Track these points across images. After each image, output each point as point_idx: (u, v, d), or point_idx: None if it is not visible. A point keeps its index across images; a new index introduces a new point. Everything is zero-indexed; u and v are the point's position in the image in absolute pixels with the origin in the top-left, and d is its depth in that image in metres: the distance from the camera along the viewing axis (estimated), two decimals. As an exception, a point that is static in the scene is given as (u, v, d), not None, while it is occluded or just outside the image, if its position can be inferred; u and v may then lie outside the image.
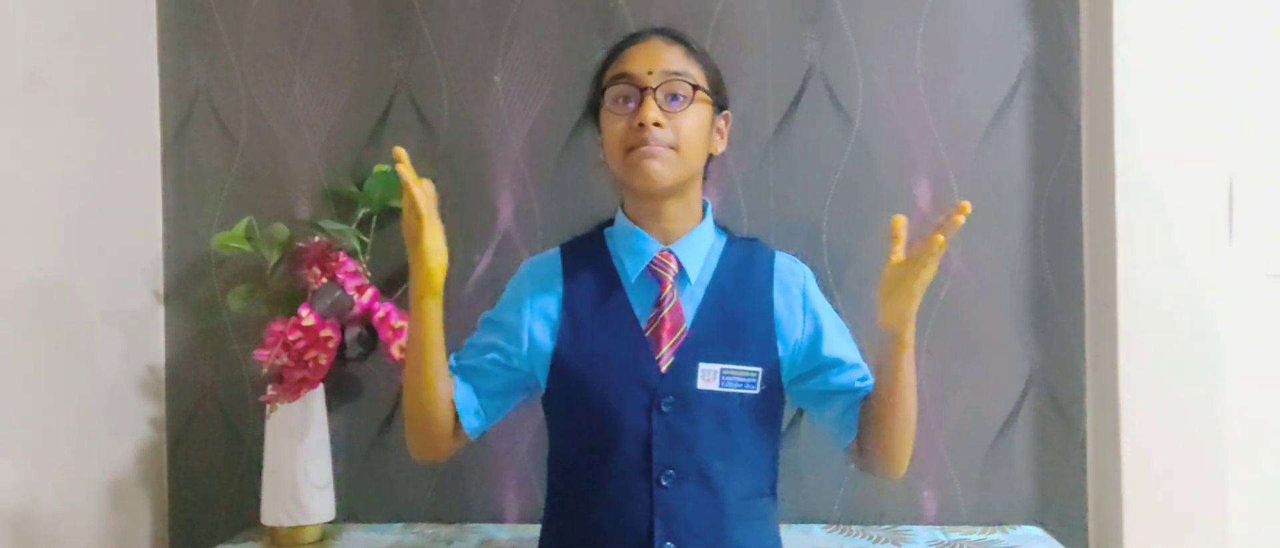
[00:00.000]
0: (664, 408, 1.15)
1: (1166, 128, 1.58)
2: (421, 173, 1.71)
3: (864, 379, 1.23)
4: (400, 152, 1.09)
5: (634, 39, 1.22)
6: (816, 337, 1.23)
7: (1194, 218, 1.58)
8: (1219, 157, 1.58)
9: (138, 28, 1.76)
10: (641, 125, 1.14)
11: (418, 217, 1.09)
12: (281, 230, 1.65)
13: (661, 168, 1.16)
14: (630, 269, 1.22)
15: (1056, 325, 1.69)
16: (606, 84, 1.20)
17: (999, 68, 1.69)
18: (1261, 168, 1.62)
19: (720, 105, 1.24)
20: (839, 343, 1.24)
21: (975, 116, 1.69)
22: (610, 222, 1.28)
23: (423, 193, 1.09)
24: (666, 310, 1.19)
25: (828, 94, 1.70)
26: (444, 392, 1.19)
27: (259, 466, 1.64)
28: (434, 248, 1.11)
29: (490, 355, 1.23)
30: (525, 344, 1.22)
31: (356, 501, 1.74)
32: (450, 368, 1.22)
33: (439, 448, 1.21)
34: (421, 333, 1.15)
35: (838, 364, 1.23)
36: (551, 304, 1.22)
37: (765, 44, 1.70)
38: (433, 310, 1.15)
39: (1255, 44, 1.62)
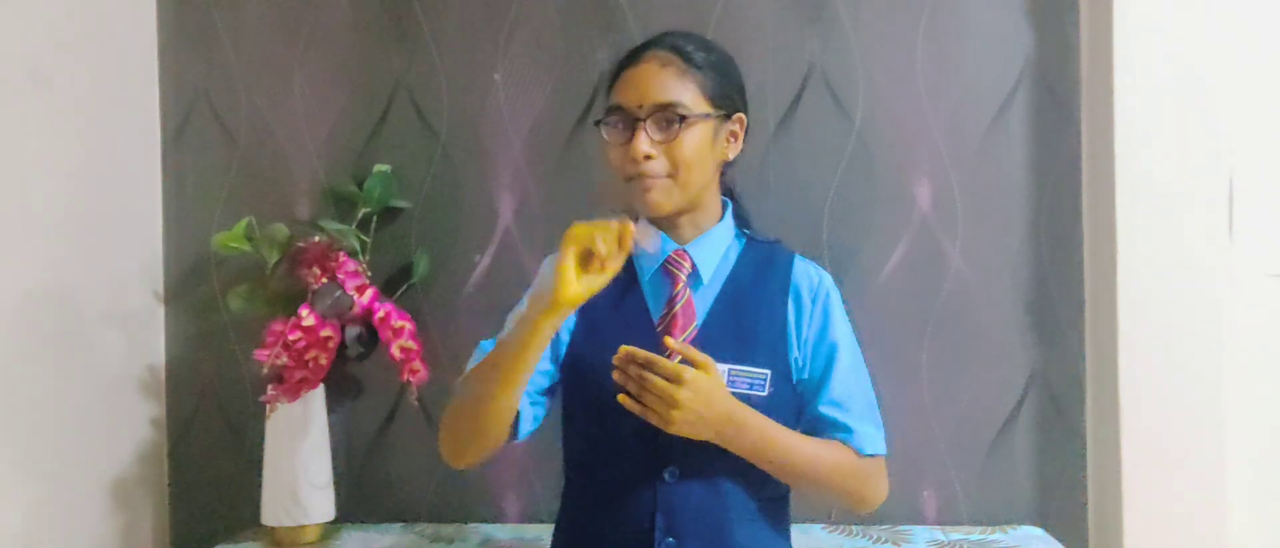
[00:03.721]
0: None
1: (1166, 128, 1.57)
2: (422, 173, 1.73)
3: (842, 433, 1.21)
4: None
5: (633, 56, 1.21)
6: (829, 369, 1.22)
7: (1194, 218, 1.58)
8: (1219, 156, 1.58)
9: (138, 28, 1.76)
10: (633, 159, 1.16)
11: (612, 251, 1.04)
12: (281, 230, 1.65)
13: (659, 198, 1.18)
14: (646, 266, 1.23)
15: (1056, 325, 1.69)
16: (606, 110, 1.21)
17: (999, 68, 1.69)
18: (1261, 168, 1.62)
19: (730, 111, 1.23)
20: (843, 386, 1.22)
21: (975, 116, 1.69)
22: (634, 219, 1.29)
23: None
24: (678, 307, 1.20)
25: (828, 94, 1.70)
26: (516, 404, 1.15)
27: (259, 466, 1.64)
28: (588, 288, 1.04)
29: None
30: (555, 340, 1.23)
31: (356, 501, 1.74)
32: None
33: (487, 455, 1.18)
34: (529, 351, 1.07)
35: (835, 405, 1.22)
36: None
37: (765, 44, 1.70)
38: (549, 329, 1.07)
39: (1255, 44, 1.62)
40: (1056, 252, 1.69)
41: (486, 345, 1.25)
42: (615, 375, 1.09)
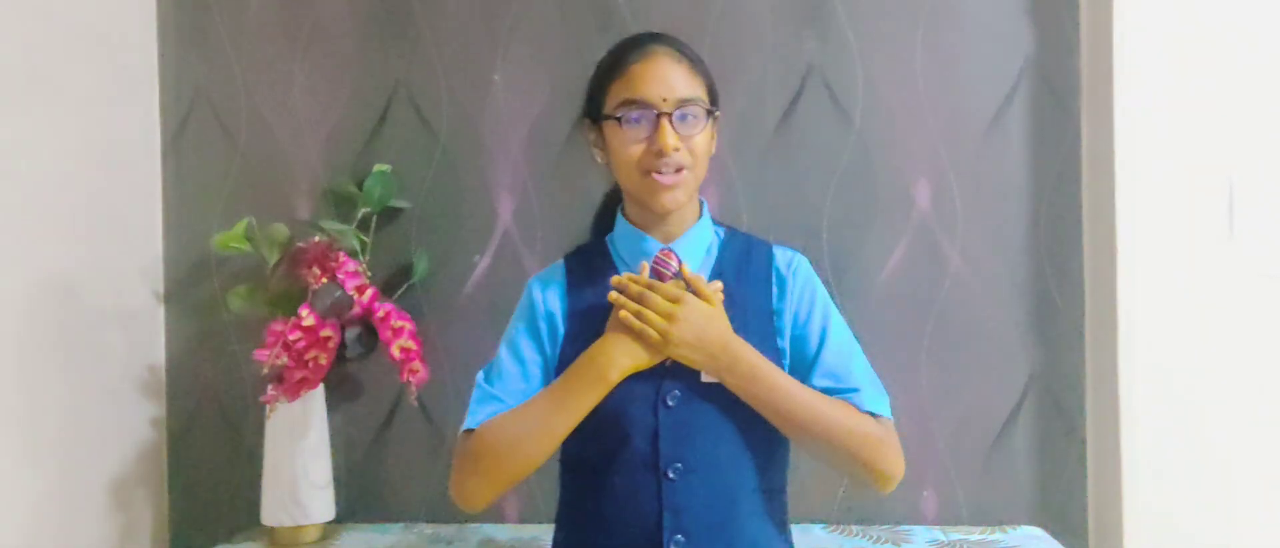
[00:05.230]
0: (669, 402, 1.16)
1: (1166, 128, 1.58)
2: (421, 173, 1.73)
3: (846, 394, 1.19)
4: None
5: (638, 51, 1.20)
6: (823, 342, 1.22)
7: (1194, 218, 1.58)
8: (1219, 157, 1.58)
9: (138, 28, 1.76)
10: (660, 152, 1.16)
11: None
12: (281, 230, 1.65)
13: (679, 195, 1.19)
14: (632, 266, 1.23)
15: (1056, 325, 1.69)
16: (616, 105, 1.19)
17: (999, 68, 1.69)
18: (1261, 168, 1.62)
19: (717, 109, 1.25)
20: (837, 354, 1.21)
21: (975, 116, 1.69)
22: (609, 227, 1.29)
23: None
24: None
25: (827, 94, 1.70)
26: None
27: (259, 466, 1.64)
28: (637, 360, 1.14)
29: (532, 385, 1.22)
30: (546, 359, 1.23)
31: (356, 501, 1.74)
32: (493, 399, 1.20)
33: (499, 495, 1.19)
34: (577, 417, 1.14)
35: (833, 372, 1.20)
36: (557, 313, 1.24)
37: (765, 44, 1.70)
38: (601, 396, 1.14)
39: (1255, 44, 1.62)
40: (1056, 252, 1.69)
41: (485, 381, 1.22)
42: (611, 297, 1.14)
